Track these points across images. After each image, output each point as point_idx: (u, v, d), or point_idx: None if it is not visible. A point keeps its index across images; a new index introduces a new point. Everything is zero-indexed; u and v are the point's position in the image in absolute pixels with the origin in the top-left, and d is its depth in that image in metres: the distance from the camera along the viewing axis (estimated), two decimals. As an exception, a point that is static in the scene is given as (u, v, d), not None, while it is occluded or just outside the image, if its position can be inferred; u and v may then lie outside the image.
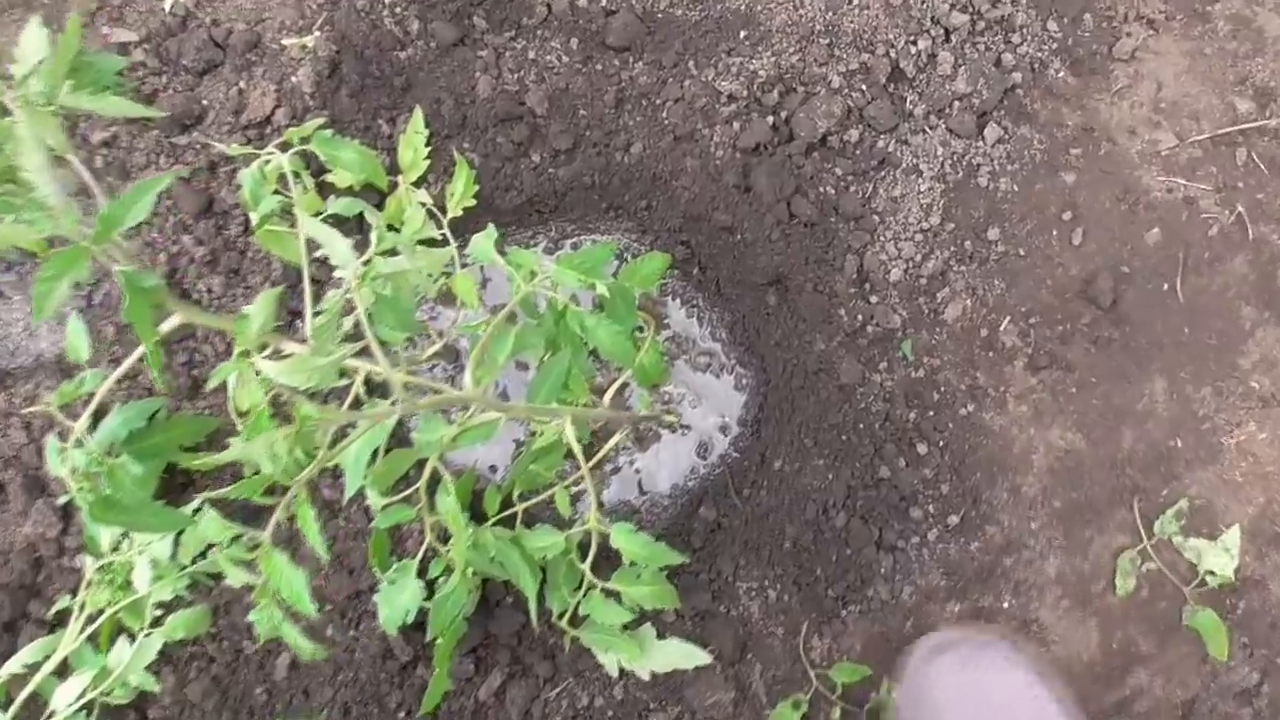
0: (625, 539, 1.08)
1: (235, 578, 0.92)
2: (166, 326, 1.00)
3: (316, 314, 0.85)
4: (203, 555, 1.20)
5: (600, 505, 1.29)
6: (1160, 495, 1.24)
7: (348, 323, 1.02)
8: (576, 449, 1.09)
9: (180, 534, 1.19)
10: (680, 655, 1.19)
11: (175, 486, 1.29)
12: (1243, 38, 1.31)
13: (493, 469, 1.33)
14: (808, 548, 1.23)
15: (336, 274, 1.18)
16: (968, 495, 1.24)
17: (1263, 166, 1.28)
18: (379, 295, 0.92)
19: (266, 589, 0.85)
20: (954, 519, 1.24)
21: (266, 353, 0.93)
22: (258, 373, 0.84)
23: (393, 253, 1.03)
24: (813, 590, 1.23)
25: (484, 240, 1.08)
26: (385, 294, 0.96)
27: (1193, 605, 1.22)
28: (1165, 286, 1.27)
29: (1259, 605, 1.23)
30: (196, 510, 1.11)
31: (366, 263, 0.90)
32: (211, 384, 1.08)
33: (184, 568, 1.19)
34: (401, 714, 1.24)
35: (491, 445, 1.34)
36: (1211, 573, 1.22)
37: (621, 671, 1.20)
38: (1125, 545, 1.24)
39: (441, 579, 1.16)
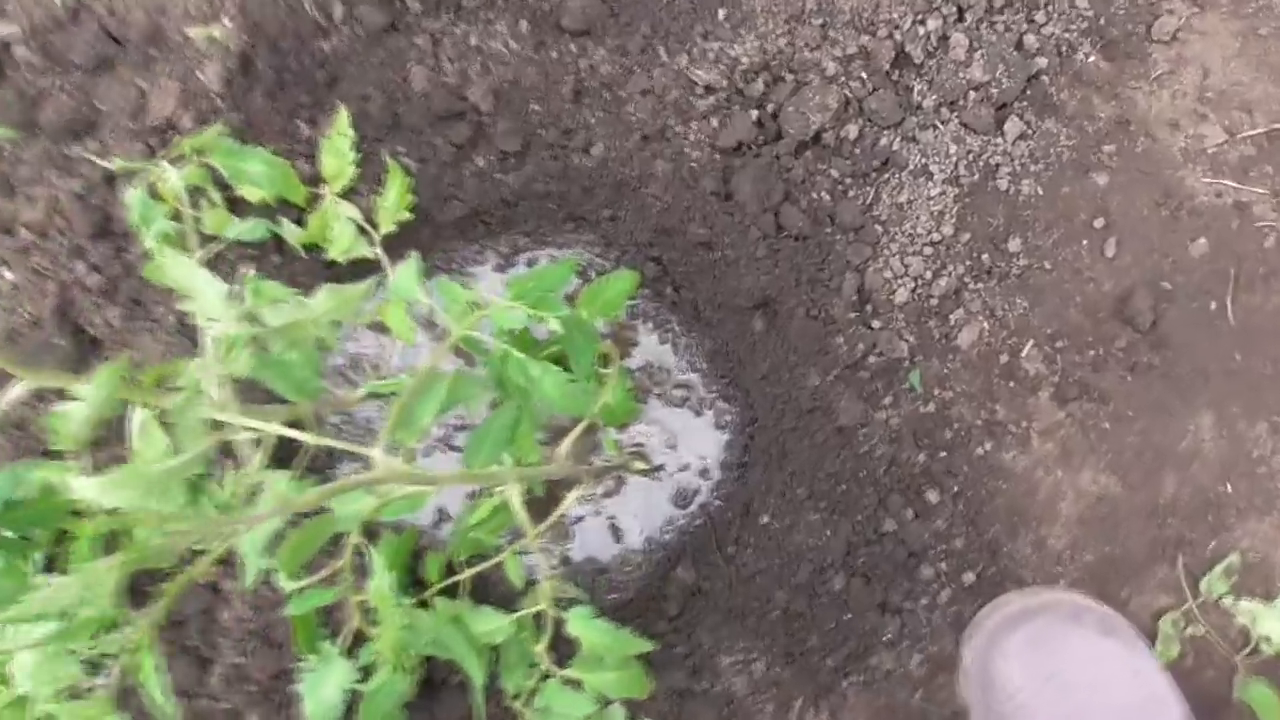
0: (583, 626, 0.92)
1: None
2: (12, 395, 0.82)
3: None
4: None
5: (565, 562, 1.12)
6: (1208, 549, 1.08)
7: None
8: (523, 518, 0.93)
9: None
10: (654, 740, 1.03)
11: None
12: (1302, 13, 1.13)
13: (440, 520, 1.16)
14: (801, 614, 1.07)
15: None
16: (985, 550, 1.08)
17: (1325, 163, 1.10)
18: (267, 360, 0.74)
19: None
20: (970, 577, 1.08)
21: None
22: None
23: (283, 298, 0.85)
24: (807, 661, 1.07)
25: (405, 272, 0.91)
26: (278, 356, 0.78)
27: (1245, 675, 1.07)
28: (1213, 306, 1.10)
29: (1321, 673, 1.07)
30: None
31: (244, 318, 0.72)
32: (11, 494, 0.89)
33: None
34: (336, 812, 1.08)
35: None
36: (1267, 639, 1.06)
37: (586, 760, 1.04)
38: (1168, 606, 1.08)
39: (376, 664, 1.00)
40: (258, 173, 1.04)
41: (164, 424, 0.80)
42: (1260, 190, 1.10)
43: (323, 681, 0.98)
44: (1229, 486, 1.08)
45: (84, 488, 0.58)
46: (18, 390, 0.81)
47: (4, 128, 1.14)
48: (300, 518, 1.07)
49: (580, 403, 0.90)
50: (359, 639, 1.00)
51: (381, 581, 0.93)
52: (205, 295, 0.73)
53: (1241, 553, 1.08)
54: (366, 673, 0.99)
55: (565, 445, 0.97)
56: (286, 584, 0.97)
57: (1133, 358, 1.10)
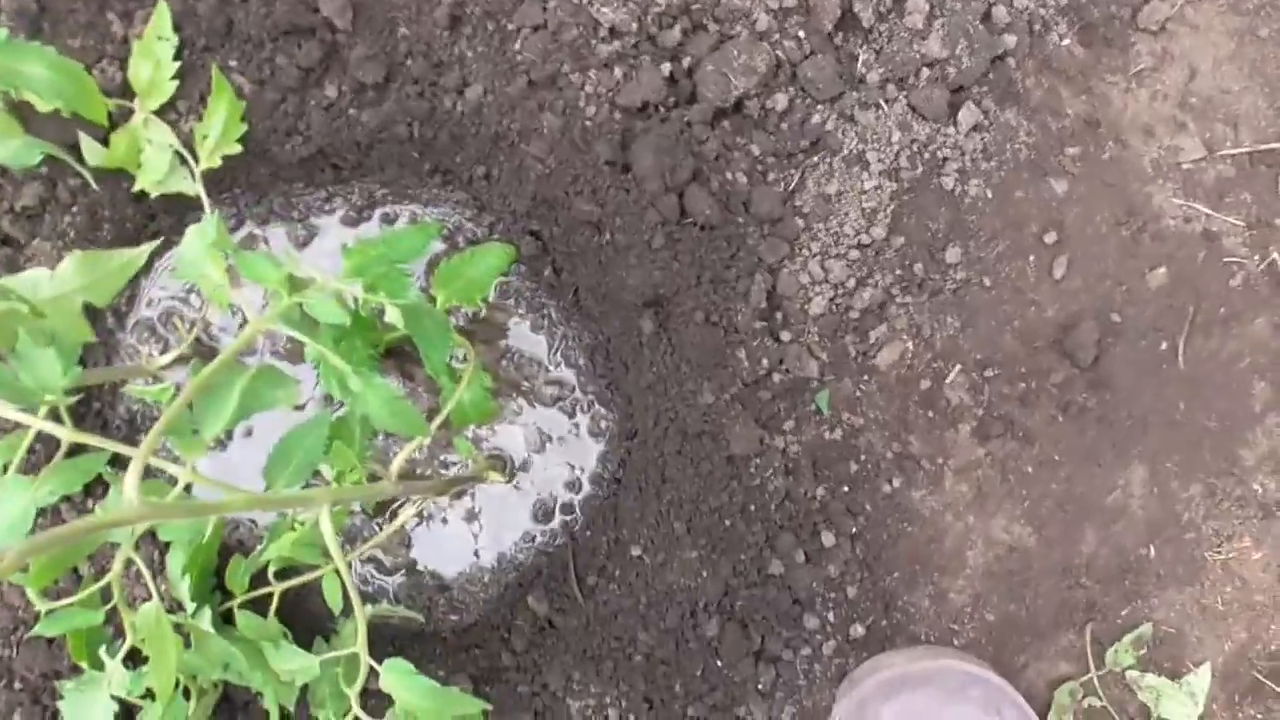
0: (399, 683, 0.77)
1: None
2: None
3: None
4: None
5: (406, 570, 0.97)
6: (1119, 616, 0.98)
7: None
8: (333, 546, 0.76)
9: None
10: (485, 790, 0.90)
11: None
12: (1309, 16, 0.99)
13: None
14: (666, 660, 0.94)
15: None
16: (879, 600, 0.96)
17: (1309, 196, 0.97)
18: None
19: None
20: (858, 629, 0.96)
21: None
22: None
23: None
24: (667, 709, 0.95)
25: (196, 238, 0.72)
26: (22, 345, 0.60)
27: (1140, 754, 0.98)
28: (1164, 346, 0.97)
29: (1219, 756, 0.99)
30: None
31: None
32: None
33: None
34: (106, 840, 0.94)
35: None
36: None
37: (407, 802, 0.90)
38: (1068, 675, 0.98)
39: (146, 700, 0.84)
40: (40, 78, 0.83)
41: None
42: (1234, 220, 0.97)
43: (87, 704, 0.83)
44: (1152, 550, 0.97)
45: None
46: None
47: None
48: (52, 524, 0.90)
49: (413, 423, 0.74)
50: (132, 662, 0.84)
51: (153, 606, 0.77)
52: None
53: (1155, 624, 0.97)
54: (150, 693, 0.83)
55: (398, 461, 0.81)
56: (38, 603, 0.80)
57: (1067, 396, 0.97)
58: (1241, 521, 0.97)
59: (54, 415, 0.72)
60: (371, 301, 0.75)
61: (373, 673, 0.78)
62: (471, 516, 0.98)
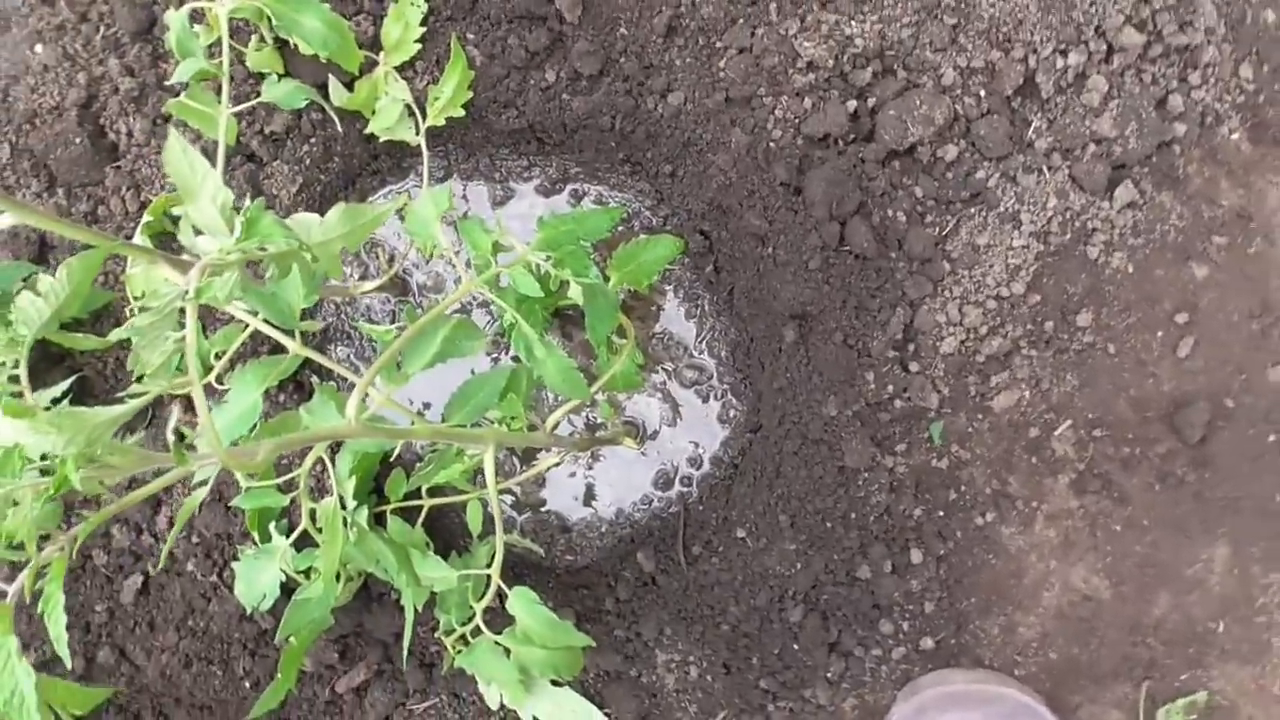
0: (524, 608, 0.90)
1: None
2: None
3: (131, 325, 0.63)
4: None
5: (534, 508, 1.11)
6: (1178, 680, 1.05)
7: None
8: (491, 481, 0.90)
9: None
10: (572, 709, 1.03)
11: (47, 358, 1.11)
12: None
13: (426, 407, 1.13)
14: (749, 634, 1.05)
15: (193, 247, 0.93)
16: (953, 620, 1.06)
17: None
18: (249, 288, 0.70)
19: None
20: (929, 642, 1.06)
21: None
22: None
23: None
24: (742, 676, 1.07)
25: (427, 205, 0.85)
26: (267, 289, 0.74)
27: (1171, 809, 1.06)
28: (1271, 439, 1.04)
29: (1248, 828, 1.06)
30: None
31: (241, 242, 0.67)
32: None
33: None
34: (246, 684, 1.11)
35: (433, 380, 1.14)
36: (1206, 783, 1.04)
37: (502, 705, 1.04)
38: (1117, 723, 1.06)
39: (312, 572, 0.99)
40: (313, 29, 0.97)
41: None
42: (1364, 333, 1.02)
43: (260, 569, 0.98)
44: (1221, 625, 1.05)
45: (10, 429, 0.55)
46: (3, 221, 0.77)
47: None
48: (269, 415, 1.06)
49: (579, 389, 0.86)
50: (301, 544, 0.99)
51: (334, 501, 0.92)
52: (204, 200, 0.68)
53: (1211, 693, 1.05)
54: (307, 573, 0.99)
55: (556, 416, 0.94)
56: (243, 480, 0.96)
57: (1168, 467, 1.04)
58: (1313, 616, 1.04)
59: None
60: (558, 275, 0.88)
61: (499, 595, 0.92)
62: (602, 473, 1.10)
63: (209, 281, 0.63)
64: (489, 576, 0.92)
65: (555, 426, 0.93)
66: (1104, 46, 1.00)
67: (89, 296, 1.10)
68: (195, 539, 1.11)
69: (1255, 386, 1.04)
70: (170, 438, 0.67)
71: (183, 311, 0.67)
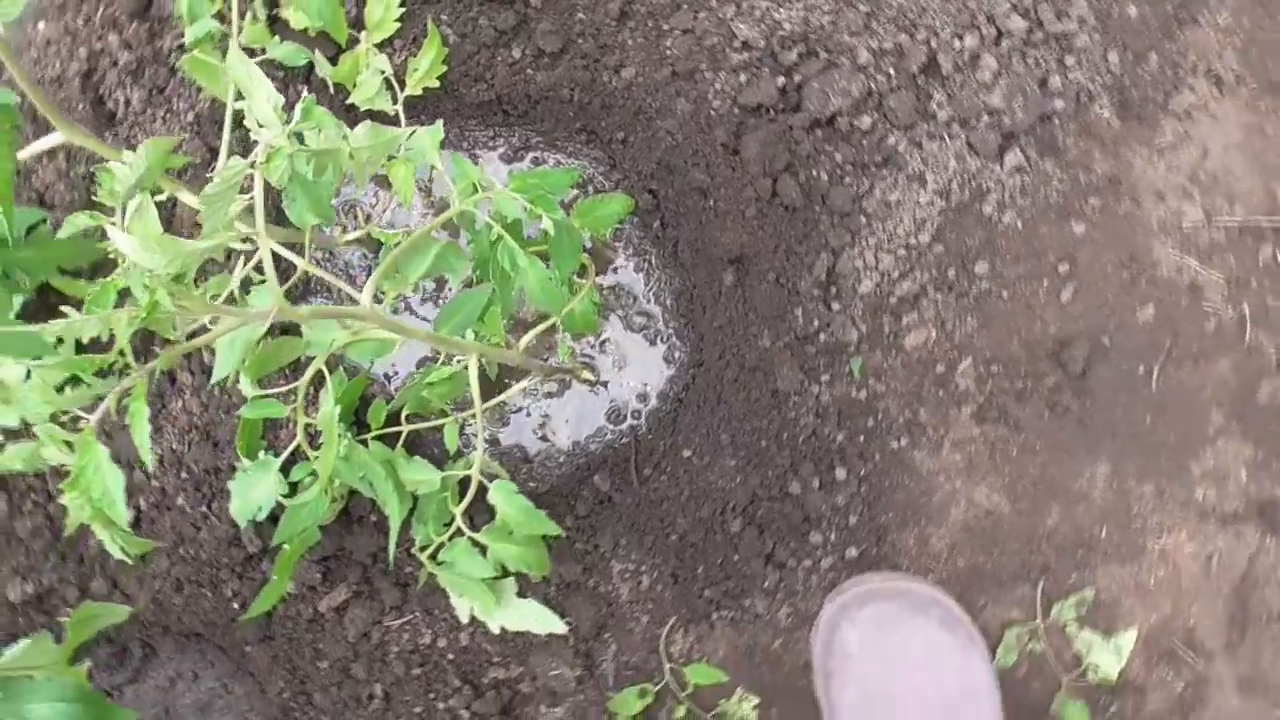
0: (503, 497, 1.06)
1: (52, 456, 0.88)
2: (44, 144, 0.93)
3: (209, 180, 0.79)
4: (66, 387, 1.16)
5: (494, 443, 1.26)
6: (1068, 580, 1.24)
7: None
8: (476, 391, 1.06)
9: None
10: (535, 618, 1.17)
11: (46, 308, 1.24)
12: (1309, 125, 1.25)
13: (390, 376, 1.29)
14: (695, 544, 1.22)
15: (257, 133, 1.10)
16: (874, 532, 1.23)
17: (1283, 269, 1.24)
18: (296, 174, 0.86)
19: (77, 482, 0.82)
20: (853, 552, 1.23)
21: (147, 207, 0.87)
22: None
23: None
24: (688, 587, 1.23)
25: (427, 137, 1.01)
26: (303, 174, 0.90)
27: (1066, 695, 1.24)
28: (1141, 370, 1.24)
29: (1131, 713, 1.25)
30: (59, 343, 1.07)
31: (299, 123, 0.83)
32: (63, 233, 1.01)
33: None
34: (235, 604, 1.24)
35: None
36: (1095, 667, 1.23)
37: (471, 619, 1.19)
38: (1017, 620, 1.25)
39: (305, 481, 1.13)
40: (310, 1, 1.13)
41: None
42: (1216, 276, 1.23)
43: (255, 484, 1.11)
44: (1103, 532, 1.24)
45: (122, 240, 0.70)
46: (51, 140, 0.92)
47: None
48: (273, 335, 1.21)
49: (556, 300, 1.03)
50: (293, 458, 1.13)
51: (331, 410, 1.06)
52: (260, 99, 0.84)
53: (1096, 590, 1.24)
54: (294, 489, 1.12)
55: (528, 338, 1.10)
56: (249, 389, 1.09)
57: (1055, 398, 1.24)
58: (1181, 519, 1.23)
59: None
60: (531, 212, 1.05)
61: (476, 500, 1.08)
62: (559, 411, 1.27)
63: (270, 158, 0.79)
64: (469, 477, 1.08)
65: (527, 346, 1.10)
66: (994, 31, 1.20)
67: (81, 249, 1.23)
68: (185, 474, 1.24)
69: (1127, 326, 1.24)
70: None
71: (249, 178, 0.83)
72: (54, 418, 0.90)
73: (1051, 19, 1.21)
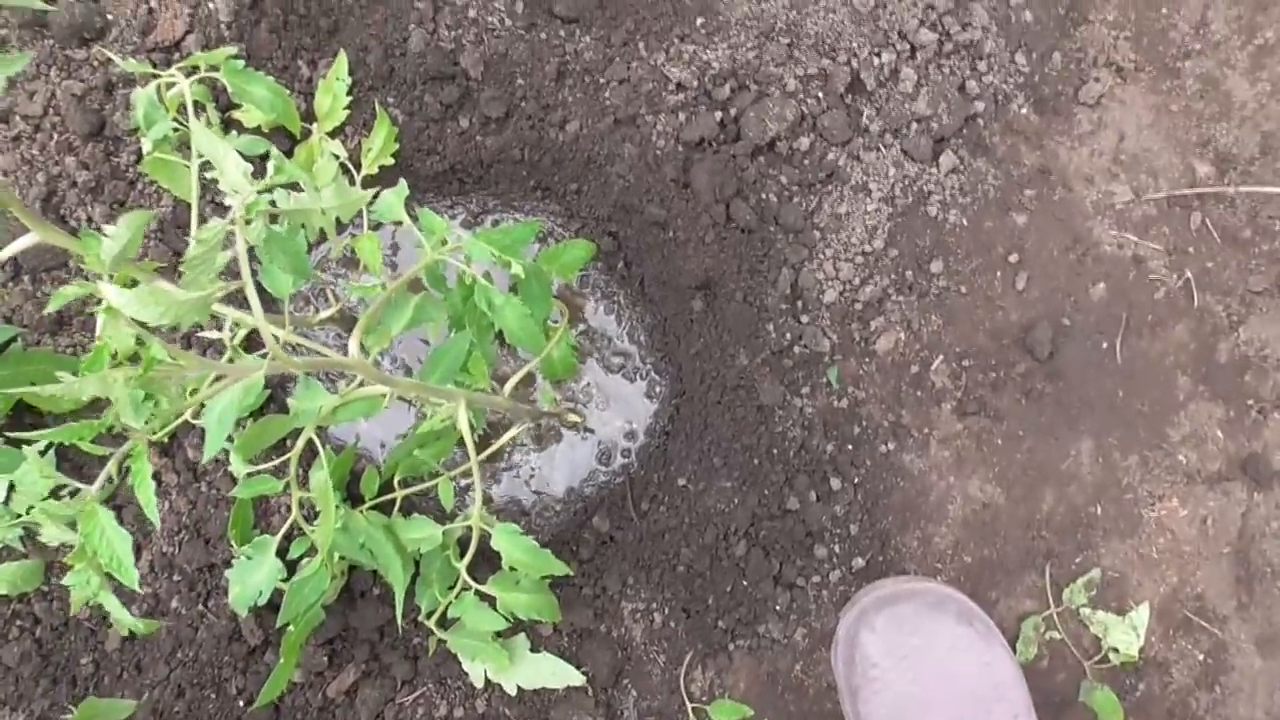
0: (507, 541, 1.06)
1: (52, 535, 0.88)
2: (19, 246, 0.96)
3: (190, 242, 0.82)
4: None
5: (488, 501, 1.27)
6: (1073, 563, 1.26)
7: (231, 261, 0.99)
8: (468, 438, 1.08)
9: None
10: (551, 672, 1.17)
11: (22, 426, 1.24)
12: (1210, 99, 1.35)
13: (380, 447, 1.30)
14: (702, 574, 1.22)
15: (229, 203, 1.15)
16: (877, 539, 1.25)
17: (1215, 234, 1.31)
18: (270, 232, 0.89)
19: (84, 551, 0.82)
20: (859, 562, 1.25)
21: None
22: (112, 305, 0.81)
23: (295, 187, 1.00)
24: (702, 619, 1.23)
25: (393, 197, 1.06)
26: (278, 232, 0.93)
27: (1092, 681, 1.24)
28: (1104, 345, 1.29)
29: (1158, 690, 1.25)
30: (43, 452, 1.07)
31: (263, 192, 0.87)
32: (51, 307, 1.03)
33: (17, 516, 1.15)
34: (240, 702, 1.21)
35: (380, 422, 1.32)
36: (1115, 649, 1.24)
37: (487, 682, 1.17)
38: (1032, 610, 1.26)
39: (304, 561, 1.13)
40: (262, 97, 1.19)
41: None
42: (1156, 247, 1.30)
43: (253, 568, 1.11)
44: (1099, 509, 1.27)
45: (117, 297, 0.72)
46: (26, 241, 0.94)
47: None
48: (259, 414, 1.22)
49: (535, 338, 1.06)
50: (289, 538, 1.13)
51: (324, 478, 1.07)
52: (230, 166, 0.88)
53: (1103, 570, 1.26)
54: (292, 569, 1.12)
55: (513, 380, 1.13)
56: (239, 469, 1.10)
57: (1029, 383, 1.28)
58: (1170, 485, 1.27)
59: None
60: (500, 259, 1.09)
61: (479, 557, 1.08)
62: (548, 460, 1.28)
63: (246, 221, 0.83)
64: (469, 528, 1.08)
65: (513, 388, 1.12)
66: (908, 46, 1.30)
67: (55, 363, 1.24)
68: (177, 576, 1.23)
69: (1083, 305, 1.30)
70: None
71: (229, 235, 0.85)
72: (54, 494, 0.90)
73: (958, 29, 1.31)
